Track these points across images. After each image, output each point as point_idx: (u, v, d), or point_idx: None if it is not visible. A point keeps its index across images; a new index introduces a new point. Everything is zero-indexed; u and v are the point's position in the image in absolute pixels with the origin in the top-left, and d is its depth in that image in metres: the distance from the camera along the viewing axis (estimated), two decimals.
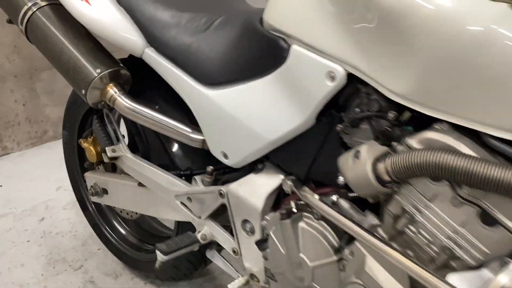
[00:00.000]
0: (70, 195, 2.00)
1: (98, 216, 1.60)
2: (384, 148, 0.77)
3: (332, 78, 0.82)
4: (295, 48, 0.88)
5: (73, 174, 1.63)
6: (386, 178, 0.74)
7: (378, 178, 0.75)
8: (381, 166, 0.74)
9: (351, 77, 0.81)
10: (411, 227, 0.76)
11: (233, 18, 1.05)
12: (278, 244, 0.95)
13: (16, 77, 2.38)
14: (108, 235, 1.59)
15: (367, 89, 0.80)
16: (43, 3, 1.23)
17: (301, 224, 0.91)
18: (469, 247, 0.70)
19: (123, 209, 1.50)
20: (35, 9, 1.23)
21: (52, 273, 1.70)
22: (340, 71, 0.81)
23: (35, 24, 1.23)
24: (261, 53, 0.95)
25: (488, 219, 0.68)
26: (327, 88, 0.83)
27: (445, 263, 0.73)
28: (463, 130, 0.70)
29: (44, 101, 2.48)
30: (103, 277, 1.66)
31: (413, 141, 0.73)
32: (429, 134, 0.72)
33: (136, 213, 1.49)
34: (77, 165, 1.58)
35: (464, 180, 0.67)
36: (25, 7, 1.23)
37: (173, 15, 1.08)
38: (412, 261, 0.73)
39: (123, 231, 1.59)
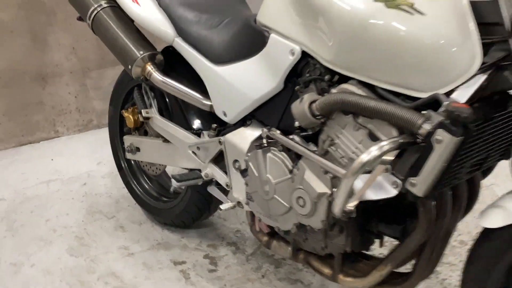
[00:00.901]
0: (108, 169, 2.48)
1: (130, 175, 2.06)
2: (318, 96, 1.20)
3: (293, 53, 1.26)
4: (272, 36, 1.32)
5: (114, 141, 2.10)
6: (316, 112, 1.17)
7: (312, 113, 1.18)
8: (313, 105, 1.17)
9: (304, 53, 1.25)
10: (332, 147, 1.18)
11: (236, 19, 1.51)
12: (253, 169, 1.38)
13: (72, 73, 2.90)
14: (136, 190, 2.05)
15: (313, 61, 1.24)
16: (105, 5, 1.72)
17: (269, 154, 1.33)
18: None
19: (149, 168, 1.95)
20: (99, 9, 1.72)
21: (90, 220, 2.15)
22: (297, 49, 1.25)
23: (99, 20, 1.72)
24: (252, 41, 1.40)
25: (373, 137, 1.10)
26: (289, 61, 1.27)
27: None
28: (364, 84, 1.13)
29: (92, 95, 2.98)
30: (130, 224, 2.10)
31: (333, 90, 1.16)
32: (343, 86, 1.15)
33: (158, 170, 1.93)
34: (118, 133, 2.04)
35: (359, 111, 1.09)
36: (92, 8, 1.72)
37: (195, 15, 1.55)
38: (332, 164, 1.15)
39: (147, 186, 2.04)
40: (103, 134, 2.35)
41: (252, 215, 1.54)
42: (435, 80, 1.04)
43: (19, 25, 2.71)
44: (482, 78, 1.02)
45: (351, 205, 1.13)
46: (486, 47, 1.01)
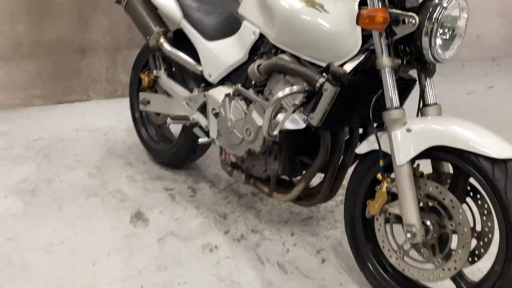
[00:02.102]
0: (125, 126, 3.12)
1: (141, 123, 2.71)
2: (263, 61, 1.82)
3: (254, 34, 1.89)
4: (244, 22, 1.96)
5: (131, 98, 2.75)
6: (261, 71, 1.79)
7: (259, 71, 1.80)
8: (260, 67, 1.80)
9: (261, 35, 1.88)
10: (270, 95, 1.80)
11: (226, 10, 2.14)
12: (223, 112, 2.00)
13: (106, 50, 3.57)
14: (144, 135, 2.70)
15: (266, 40, 1.86)
16: None
17: (233, 101, 1.95)
18: (290, 100, 1.72)
19: (155, 117, 2.59)
20: None
21: (107, 157, 2.80)
22: (257, 31, 1.88)
23: (130, 3, 2.37)
24: (232, 25, 2.03)
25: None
26: (251, 39, 1.90)
27: (283, 108, 1.75)
28: (293, 55, 1.74)
29: (119, 70, 3.64)
30: (137, 162, 2.74)
31: (273, 58, 1.79)
32: (279, 55, 1.77)
33: (161, 120, 2.57)
34: (135, 91, 2.69)
35: (286, 71, 1.71)
36: None
37: (198, 5, 2.20)
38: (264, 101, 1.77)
39: (151, 133, 2.69)
40: (125, 102, 2.99)
41: (221, 150, 2.16)
42: (333, 55, 1.64)
43: (68, 6, 3.39)
44: (361, 56, 1.62)
45: (275, 132, 1.74)
46: (366, 38, 1.61)
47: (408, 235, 1.54)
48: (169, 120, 2.30)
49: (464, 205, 1.57)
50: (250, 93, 1.88)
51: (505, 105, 3.40)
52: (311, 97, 1.67)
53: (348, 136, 1.87)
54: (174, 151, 2.51)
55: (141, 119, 2.71)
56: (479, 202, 1.55)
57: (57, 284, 1.85)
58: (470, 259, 1.60)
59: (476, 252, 1.59)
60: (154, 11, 2.35)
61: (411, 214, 1.53)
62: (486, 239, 1.55)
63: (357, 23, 1.48)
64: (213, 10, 2.18)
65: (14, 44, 3.39)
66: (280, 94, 1.66)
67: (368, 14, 1.46)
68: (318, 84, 1.62)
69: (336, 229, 2.16)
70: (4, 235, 2.12)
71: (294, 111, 1.71)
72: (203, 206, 2.34)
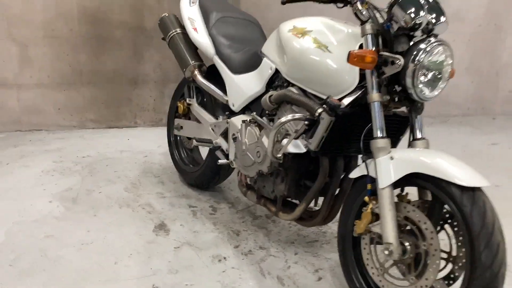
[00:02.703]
0: (164, 150, 3.44)
1: (174, 147, 3.01)
2: (274, 92, 2.07)
3: (271, 69, 2.16)
4: (264, 59, 2.23)
5: (168, 123, 3.06)
6: (272, 101, 2.05)
7: (270, 101, 2.05)
8: (271, 97, 2.05)
9: (276, 70, 2.14)
10: (281, 122, 2.04)
11: (252, 48, 2.43)
12: (239, 136, 2.25)
13: (155, 82, 3.95)
14: (176, 157, 2.99)
15: (280, 74, 2.12)
16: (179, 31, 2.71)
17: (248, 127, 2.21)
18: (293, 127, 1.96)
19: (187, 141, 2.88)
20: (174, 33, 2.71)
21: (142, 176, 3.10)
22: (273, 66, 2.15)
23: (173, 39, 2.71)
24: (255, 62, 2.31)
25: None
26: (269, 73, 2.17)
27: (288, 134, 1.99)
28: (300, 88, 1.99)
29: (166, 101, 4.00)
30: (168, 182, 3.02)
31: (283, 89, 2.04)
32: (289, 88, 2.02)
33: (191, 144, 2.86)
34: (172, 118, 3.00)
35: (292, 101, 1.95)
36: (171, 31, 2.72)
37: (228, 43, 2.50)
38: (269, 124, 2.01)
39: (182, 155, 2.98)
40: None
41: (238, 172, 2.40)
42: (333, 90, 1.88)
43: (126, 41, 3.81)
44: (358, 92, 1.85)
45: (279, 154, 1.97)
46: (363, 76, 1.83)
47: (386, 252, 1.71)
48: (194, 142, 2.59)
49: (443, 231, 1.73)
50: (263, 120, 2.13)
51: None
52: (312, 125, 1.90)
53: (346, 163, 2.07)
54: (200, 172, 2.78)
55: (175, 143, 3.01)
56: (455, 229, 1.70)
57: (82, 275, 2.11)
58: (447, 282, 1.75)
59: (452, 276, 1.73)
60: (192, 47, 2.67)
61: (390, 233, 1.70)
62: (460, 264, 1.69)
63: (348, 61, 1.71)
64: (242, 48, 2.47)
65: (75, 72, 3.82)
66: (283, 119, 1.91)
67: (357, 53, 1.69)
68: (317, 113, 1.85)
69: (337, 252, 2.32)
70: (45, 232, 2.43)
71: (297, 137, 1.94)
72: (220, 223, 2.57)
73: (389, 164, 1.71)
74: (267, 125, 2.08)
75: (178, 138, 3.01)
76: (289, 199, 2.20)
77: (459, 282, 1.66)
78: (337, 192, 2.08)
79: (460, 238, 1.67)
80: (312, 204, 2.15)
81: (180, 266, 2.20)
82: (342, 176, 2.07)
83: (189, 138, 2.90)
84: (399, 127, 1.97)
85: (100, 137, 3.77)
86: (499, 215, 1.57)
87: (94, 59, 3.81)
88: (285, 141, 1.98)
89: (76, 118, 3.92)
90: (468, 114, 4.15)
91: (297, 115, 1.90)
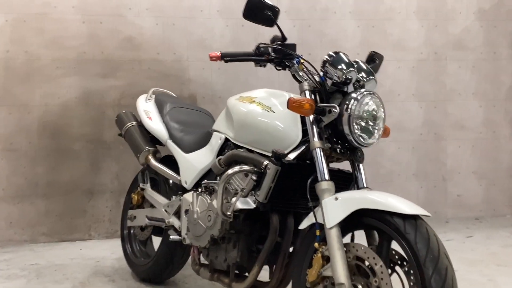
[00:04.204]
0: (118, 255, 3.29)
1: (127, 240, 2.94)
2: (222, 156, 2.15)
3: (220, 139, 2.26)
4: (214, 132, 2.35)
5: (123, 219, 3.03)
6: (222, 164, 2.11)
7: (220, 164, 2.12)
8: (220, 161, 2.12)
9: (226, 139, 2.24)
10: (228, 183, 2.07)
11: (203, 129, 2.54)
12: (191, 207, 2.26)
13: (112, 192, 3.95)
14: (128, 251, 2.91)
15: (230, 142, 2.22)
16: (135, 123, 2.83)
17: (200, 196, 2.23)
18: (242, 185, 2.00)
19: (139, 233, 2.84)
20: (130, 125, 2.83)
21: (92, 276, 2.97)
22: (223, 136, 2.26)
23: (129, 131, 2.82)
24: (206, 139, 2.42)
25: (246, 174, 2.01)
26: (219, 143, 2.27)
27: (237, 192, 2.01)
28: (247, 149, 2.08)
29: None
30: (120, 280, 2.89)
31: (231, 150, 2.12)
32: (238, 149, 2.11)
33: (145, 235, 2.81)
34: (126, 212, 2.98)
35: (241, 160, 2.03)
36: (127, 124, 2.84)
37: (180, 127, 2.63)
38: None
39: (135, 248, 2.91)
40: None
41: (192, 249, 2.35)
42: (279, 147, 1.97)
43: (84, 153, 3.89)
44: (302, 147, 1.95)
45: (229, 212, 1.99)
46: (306, 132, 1.95)
47: None
48: (147, 220, 2.56)
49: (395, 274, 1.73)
50: (213, 184, 2.17)
51: (480, 248, 3.53)
52: (259, 180, 1.96)
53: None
54: (153, 262, 2.70)
55: (128, 237, 2.95)
56: (406, 268, 1.70)
57: None
58: None
59: None
60: (147, 136, 2.78)
61: (341, 273, 1.67)
62: None
63: (287, 107, 1.84)
64: (193, 130, 2.59)
65: (31, 184, 3.81)
66: (230, 171, 1.96)
67: (296, 99, 1.83)
68: (263, 166, 1.93)
69: None
70: None
71: (246, 195, 1.98)
72: None
73: (334, 204, 1.75)
74: (214, 184, 2.12)
75: (132, 231, 2.96)
76: (242, 268, 2.15)
77: None
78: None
79: (412, 277, 1.66)
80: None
81: None
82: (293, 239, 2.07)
83: (142, 229, 2.86)
84: (344, 184, 2.04)
85: (50, 249, 3.64)
86: None
87: (51, 171, 3.83)
88: (234, 199, 2.01)
89: (28, 232, 3.81)
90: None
91: (244, 167, 1.97)
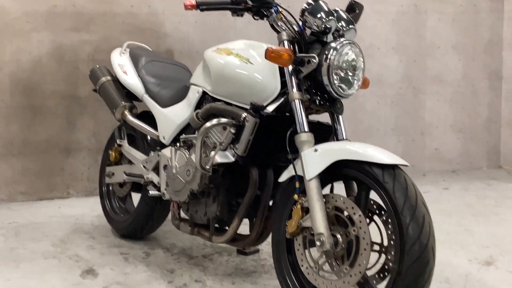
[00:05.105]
0: (98, 213, 3.26)
1: (106, 197, 2.92)
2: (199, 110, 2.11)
3: (198, 92, 2.21)
4: (191, 86, 2.29)
5: (101, 177, 2.99)
6: (200, 117, 2.07)
7: (197, 118, 2.08)
8: (198, 114, 2.08)
9: (204, 92, 2.20)
10: (206, 137, 2.04)
11: (180, 84, 2.49)
12: (169, 162, 2.23)
13: (89, 150, 3.89)
14: (107, 208, 2.90)
15: (207, 95, 2.17)
16: (109, 78, 2.75)
17: (178, 151, 2.20)
18: (220, 138, 1.97)
19: (118, 190, 2.82)
20: (105, 81, 2.75)
21: (72, 233, 2.94)
22: (200, 90, 2.21)
23: (104, 86, 2.75)
24: (183, 93, 2.36)
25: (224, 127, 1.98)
26: (196, 96, 2.22)
27: (215, 146, 1.99)
28: (225, 102, 2.04)
29: None
30: (99, 237, 2.88)
31: (209, 104, 2.08)
32: (214, 104, 2.07)
33: (124, 192, 2.78)
34: (104, 169, 2.94)
35: (218, 113, 1.99)
36: (101, 79, 2.76)
37: (156, 81, 2.56)
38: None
39: (114, 205, 2.89)
40: None
41: (172, 205, 2.34)
42: (257, 99, 1.93)
43: (59, 110, 3.80)
44: (281, 99, 1.92)
45: (208, 166, 1.96)
46: (285, 84, 1.92)
47: (318, 243, 1.68)
48: (125, 176, 2.53)
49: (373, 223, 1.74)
50: (192, 138, 2.14)
51: (456, 199, 3.59)
52: (238, 133, 1.93)
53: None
54: (133, 218, 2.68)
55: (107, 194, 2.92)
56: (384, 218, 1.71)
57: None
58: (381, 275, 1.72)
59: (386, 267, 1.70)
60: (122, 91, 2.71)
61: (320, 224, 1.68)
62: (392, 252, 1.67)
63: (265, 57, 1.80)
64: (170, 84, 2.53)
65: (6, 143, 3.73)
66: (208, 124, 1.93)
67: (274, 50, 1.78)
68: (241, 118, 1.89)
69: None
70: None
71: (225, 149, 1.96)
72: (154, 265, 2.44)
73: (313, 156, 1.74)
74: (194, 141, 2.09)
75: (110, 188, 2.93)
76: (222, 221, 2.15)
77: None
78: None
79: (390, 226, 1.67)
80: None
81: None
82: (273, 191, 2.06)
83: (121, 186, 2.83)
84: (323, 136, 2.03)
85: (29, 207, 3.59)
86: None
87: (26, 129, 3.74)
88: (213, 153, 1.98)
89: (4, 191, 3.75)
90: None
91: (223, 120, 1.93)
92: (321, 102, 1.90)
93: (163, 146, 2.43)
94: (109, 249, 2.67)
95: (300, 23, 1.88)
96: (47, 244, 2.75)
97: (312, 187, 1.71)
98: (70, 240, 2.81)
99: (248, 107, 1.94)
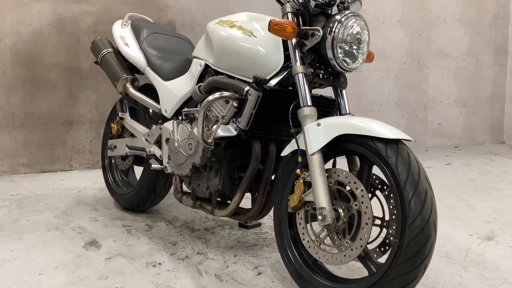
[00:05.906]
0: (100, 186, 3.28)
1: (108, 171, 2.92)
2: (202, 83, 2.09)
3: (200, 65, 2.19)
4: (194, 59, 2.27)
5: (103, 149, 2.98)
6: (202, 90, 2.06)
7: (200, 91, 2.06)
8: (200, 88, 2.06)
9: (206, 66, 2.17)
10: (208, 110, 2.03)
11: (182, 57, 2.46)
12: (171, 135, 2.22)
13: (91, 123, 3.88)
14: (110, 181, 2.89)
15: (210, 68, 2.15)
16: (111, 50, 2.73)
17: (180, 125, 2.19)
18: (223, 112, 1.96)
19: (121, 163, 2.82)
20: (106, 52, 2.73)
21: (74, 205, 2.96)
22: (203, 63, 2.18)
23: (105, 58, 2.72)
24: (185, 66, 2.34)
25: (227, 100, 1.96)
26: (199, 69, 2.20)
27: (218, 120, 1.98)
28: (228, 75, 2.02)
29: None
30: (102, 209, 2.89)
31: (212, 77, 2.06)
32: (218, 75, 2.05)
33: (127, 165, 2.79)
34: (106, 142, 2.93)
35: (221, 86, 1.97)
36: (103, 51, 2.74)
37: (158, 54, 2.53)
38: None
39: (117, 178, 2.89)
40: None
41: (174, 178, 2.34)
42: (260, 72, 1.91)
43: (61, 83, 3.78)
44: (284, 73, 1.90)
45: (210, 139, 1.96)
46: (288, 58, 1.89)
47: (320, 217, 1.68)
48: (127, 149, 2.53)
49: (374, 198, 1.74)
50: (194, 111, 2.12)
51: (458, 175, 3.59)
52: (241, 107, 1.92)
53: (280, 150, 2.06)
54: (135, 191, 2.69)
55: (109, 166, 2.92)
56: (386, 193, 1.71)
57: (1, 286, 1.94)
58: (382, 249, 1.72)
59: (387, 241, 1.71)
60: (124, 63, 2.68)
61: (322, 198, 1.68)
62: (394, 227, 1.67)
63: (269, 29, 1.77)
64: (172, 57, 2.51)
65: (7, 115, 3.72)
66: (211, 97, 1.91)
67: (277, 22, 1.75)
68: (244, 92, 1.88)
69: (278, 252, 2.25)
70: None
71: (227, 122, 1.95)
72: (156, 237, 2.46)
73: (316, 130, 1.72)
74: (196, 114, 2.08)
75: (113, 161, 2.93)
76: (224, 195, 2.16)
77: None
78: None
79: (392, 201, 1.67)
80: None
81: (111, 272, 2.07)
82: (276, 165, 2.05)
83: (123, 159, 2.83)
84: (326, 110, 2.01)
85: (32, 180, 3.61)
86: None
87: (27, 101, 3.73)
88: (215, 127, 1.97)
89: (7, 163, 3.76)
90: None
91: (225, 93, 1.92)
92: (325, 76, 1.89)
93: (165, 119, 2.42)
94: (112, 221, 2.68)
95: None
96: (50, 216, 2.77)
97: (315, 161, 1.70)
98: (73, 212, 2.83)
99: (251, 80, 1.92)
